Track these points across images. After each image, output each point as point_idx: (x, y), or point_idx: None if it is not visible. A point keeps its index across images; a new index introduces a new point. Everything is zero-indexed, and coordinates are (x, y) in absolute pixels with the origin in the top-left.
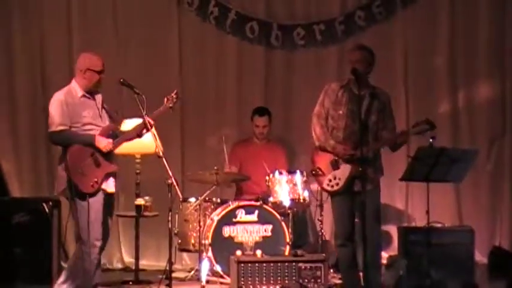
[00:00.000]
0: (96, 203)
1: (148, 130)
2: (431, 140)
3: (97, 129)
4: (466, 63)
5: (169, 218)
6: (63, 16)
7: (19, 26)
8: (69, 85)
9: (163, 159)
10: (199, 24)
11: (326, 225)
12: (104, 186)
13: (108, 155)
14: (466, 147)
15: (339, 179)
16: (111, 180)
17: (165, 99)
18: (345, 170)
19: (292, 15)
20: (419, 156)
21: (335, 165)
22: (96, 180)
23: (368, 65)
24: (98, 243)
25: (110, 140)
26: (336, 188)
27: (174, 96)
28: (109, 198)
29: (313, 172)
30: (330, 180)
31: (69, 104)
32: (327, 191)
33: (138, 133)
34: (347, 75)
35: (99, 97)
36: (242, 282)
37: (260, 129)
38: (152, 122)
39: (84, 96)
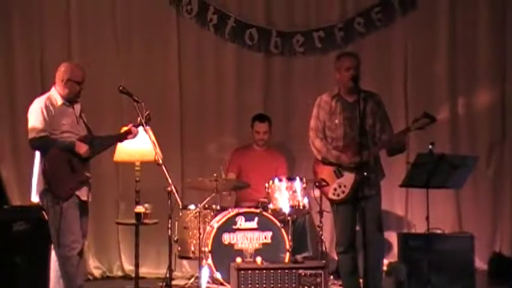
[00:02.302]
0: (71, 207)
1: (123, 140)
2: (430, 146)
3: (75, 137)
4: (465, 70)
5: (169, 226)
6: (62, 24)
7: (19, 33)
8: (49, 92)
9: (163, 166)
10: (199, 32)
11: (326, 232)
12: (77, 192)
13: (84, 162)
14: (465, 153)
15: (344, 186)
16: (85, 189)
17: (138, 118)
18: (349, 177)
19: (291, 22)
20: (419, 162)
21: (338, 174)
22: (70, 186)
23: (359, 68)
24: (78, 246)
25: (87, 146)
26: (342, 196)
27: (147, 116)
28: (83, 205)
29: (317, 184)
30: (335, 189)
31: (49, 111)
32: (333, 200)
33: (119, 141)
34: (332, 84)
35: (77, 106)
36: None
37: (260, 135)
38: (148, 129)
39: (63, 104)
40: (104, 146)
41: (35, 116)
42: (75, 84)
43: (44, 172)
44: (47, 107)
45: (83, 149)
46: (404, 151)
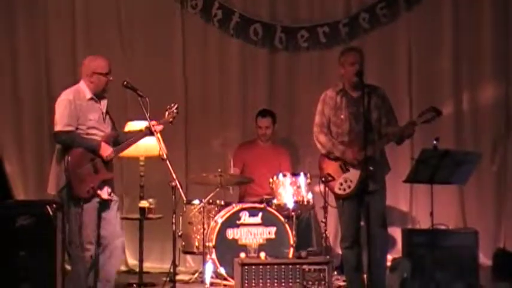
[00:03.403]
0: (90, 208)
1: (151, 135)
2: (435, 142)
3: (100, 134)
4: (470, 65)
5: (173, 221)
6: (67, 20)
7: (24, 33)
8: (78, 85)
9: (167, 161)
10: (203, 27)
11: (330, 227)
12: (99, 191)
13: (107, 162)
14: (470, 149)
15: (350, 181)
16: (106, 188)
17: (166, 112)
18: (355, 171)
19: (296, 18)
20: (423, 158)
21: (344, 168)
22: (92, 186)
23: (363, 63)
24: (91, 247)
25: (112, 149)
26: (348, 190)
27: (175, 110)
28: (105, 203)
29: (323, 179)
30: (342, 184)
31: (77, 105)
32: (339, 195)
33: (139, 139)
34: (336, 80)
35: (104, 102)
36: (246, 285)
37: (263, 130)
38: (158, 129)
39: (92, 99)
40: (128, 144)
41: (61, 109)
42: (101, 76)
43: (66, 170)
44: (74, 100)
45: (107, 152)
46: (413, 134)
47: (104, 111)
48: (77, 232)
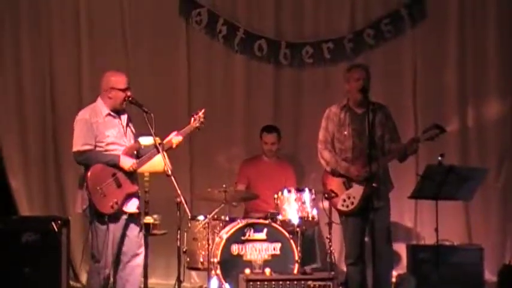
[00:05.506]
0: (117, 226)
1: (171, 148)
2: (440, 158)
3: (120, 148)
4: (475, 81)
5: (178, 236)
6: (71, 35)
7: (27, 42)
8: (95, 103)
9: (172, 177)
10: (208, 43)
11: (335, 243)
12: (124, 208)
13: (131, 175)
14: (475, 165)
15: (353, 197)
16: (133, 201)
17: (192, 118)
18: (358, 188)
19: (300, 34)
20: (428, 174)
21: (347, 185)
22: (115, 201)
23: (369, 81)
24: (110, 265)
25: (134, 160)
26: (351, 207)
27: (202, 115)
28: (131, 218)
29: (326, 195)
30: (345, 200)
31: (93, 123)
32: (342, 211)
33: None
34: (341, 96)
35: (124, 116)
36: None
37: (268, 146)
38: (177, 139)
39: (109, 115)
40: (151, 156)
41: (78, 129)
42: (118, 91)
43: (87, 188)
44: (90, 118)
45: (127, 164)
46: (417, 151)
47: (124, 125)
48: (99, 248)
